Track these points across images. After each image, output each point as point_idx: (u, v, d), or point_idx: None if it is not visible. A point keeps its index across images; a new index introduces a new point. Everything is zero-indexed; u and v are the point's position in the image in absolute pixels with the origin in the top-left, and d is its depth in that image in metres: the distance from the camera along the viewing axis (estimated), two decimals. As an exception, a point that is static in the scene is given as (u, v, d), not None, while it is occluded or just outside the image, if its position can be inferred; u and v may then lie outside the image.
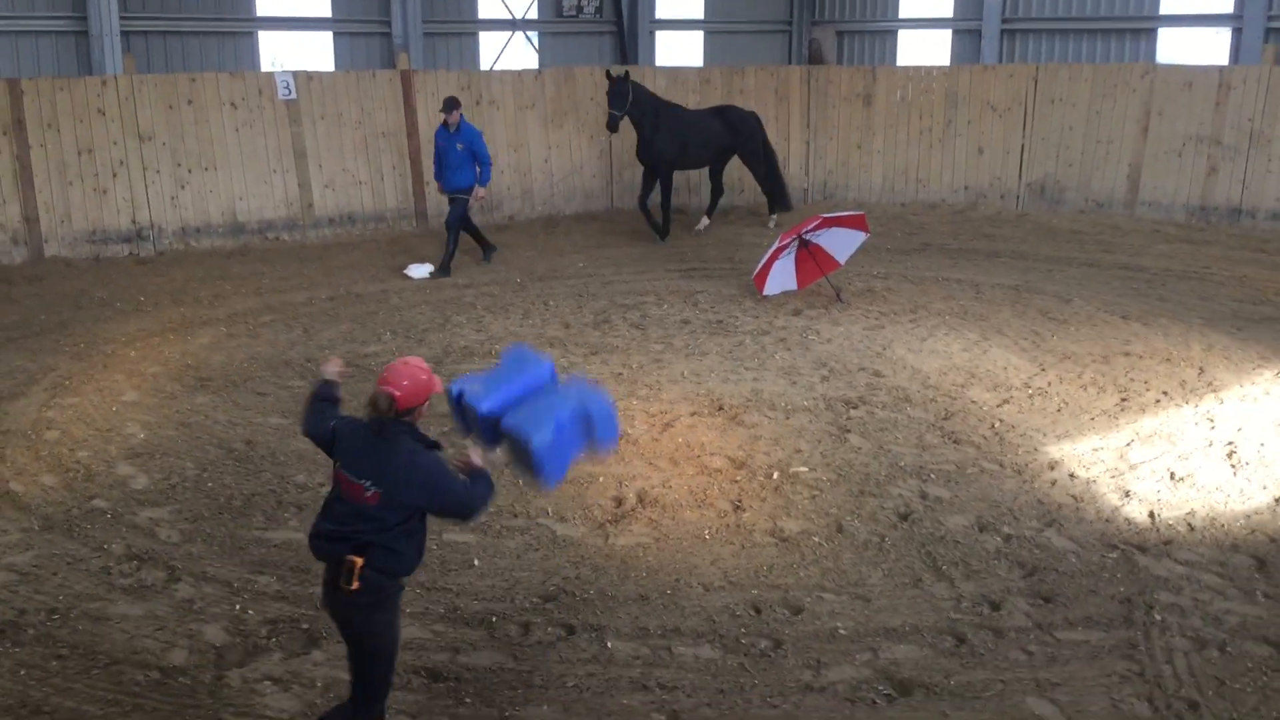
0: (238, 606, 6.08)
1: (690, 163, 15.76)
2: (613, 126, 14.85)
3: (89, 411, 8.93)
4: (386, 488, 4.42)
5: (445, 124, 13.39)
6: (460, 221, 13.66)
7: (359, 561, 4.39)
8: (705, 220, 16.31)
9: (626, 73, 15.02)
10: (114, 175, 14.27)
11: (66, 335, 10.98)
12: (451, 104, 13.32)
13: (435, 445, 4.64)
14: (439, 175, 13.69)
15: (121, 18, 17.52)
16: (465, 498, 4.55)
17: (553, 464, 5.15)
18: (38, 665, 5.52)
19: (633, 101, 14.84)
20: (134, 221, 14.39)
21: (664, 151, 15.11)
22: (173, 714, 5.18)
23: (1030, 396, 9.26)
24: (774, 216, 16.43)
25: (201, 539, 6.85)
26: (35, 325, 11.35)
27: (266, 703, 5.27)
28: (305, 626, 5.88)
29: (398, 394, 4.49)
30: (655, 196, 15.45)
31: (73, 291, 12.63)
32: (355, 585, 4.38)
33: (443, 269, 13.56)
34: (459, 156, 13.37)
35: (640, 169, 15.86)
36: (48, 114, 13.85)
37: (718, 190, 16.41)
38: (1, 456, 8.07)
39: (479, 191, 13.53)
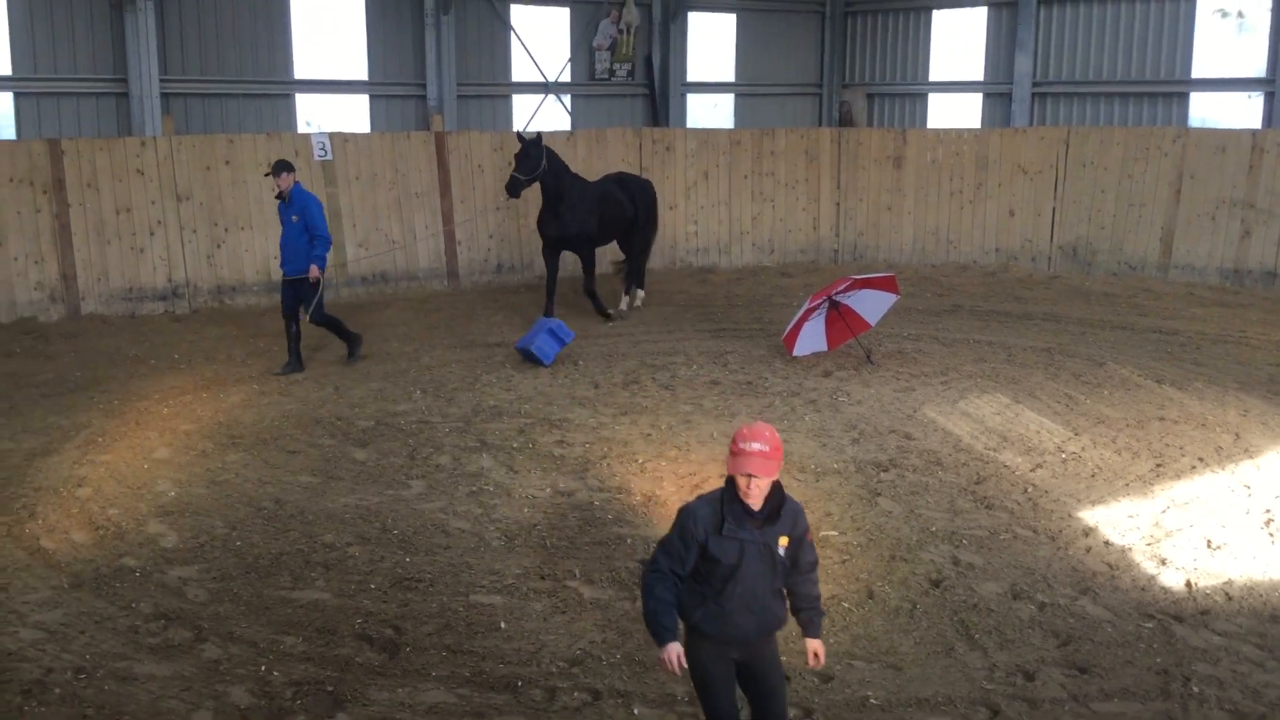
0: (263, 668, 6.05)
1: (605, 239, 14.57)
2: (514, 191, 13.47)
3: (121, 469, 8.98)
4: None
5: (278, 193, 11.49)
6: (323, 312, 11.75)
7: None
8: (640, 295, 15.03)
9: (539, 135, 13.99)
10: (151, 234, 14.48)
11: (101, 392, 11.08)
12: (280, 167, 11.34)
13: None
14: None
15: (161, 80, 17.86)
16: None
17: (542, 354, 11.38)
18: (63, 725, 5.50)
19: (547, 169, 13.58)
20: (170, 280, 14.58)
21: (585, 227, 13.88)
22: (196, 777, 5.14)
23: (1064, 461, 9.16)
24: (631, 296, 14.93)
25: (229, 598, 6.84)
26: (70, 382, 11.46)
27: (290, 766, 5.22)
28: (330, 689, 5.84)
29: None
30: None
31: (108, 348, 12.77)
32: None
33: (352, 355, 12.13)
34: (294, 231, 11.37)
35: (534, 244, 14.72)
36: (87, 174, 14.10)
37: (632, 259, 15.06)
38: (33, 513, 8.12)
39: (312, 272, 11.36)
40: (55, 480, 8.75)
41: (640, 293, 15.06)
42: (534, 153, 13.49)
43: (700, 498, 4.66)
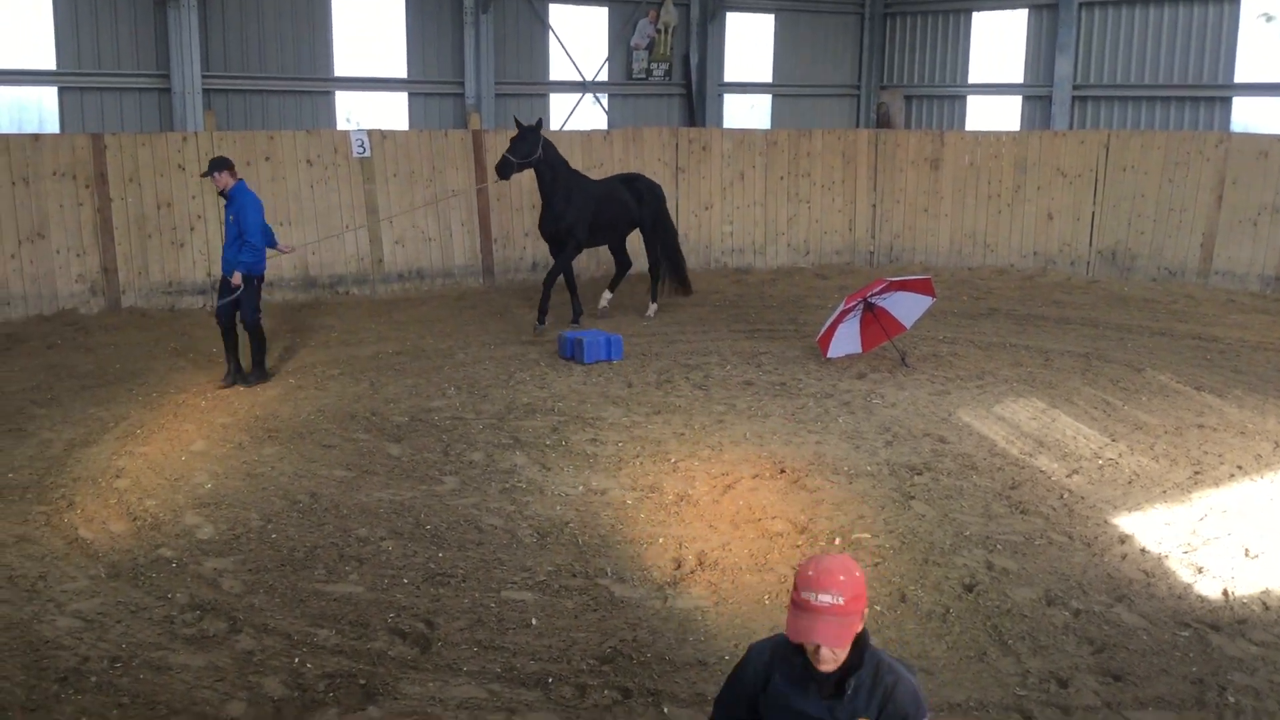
0: (296, 659, 6.10)
1: (597, 240, 14.13)
2: (503, 172, 13.07)
3: (159, 460, 9.07)
4: None
5: (219, 191, 11.06)
6: (255, 322, 11.08)
7: None
8: (608, 295, 14.57)
9: (539, 121, 13.77)
10: (191, 229, 14.61)
11: (140, 384, 11.20)
12: (216, 164, 10.89)
13: None
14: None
15: (203, 76, 18.05)
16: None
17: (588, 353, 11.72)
18: (99, 713, 5.56)
19: (542, 160, 13.19)
20: (209, 274, 14.69)
21: (575, 228, 13.43)
22: (229, 766, 5.19)
23: (1100, 467, 9.08)
24: (655, 305, 14.61)
25: (264, 590, 6.90)
26: (110, 374, 11.59)
27: (322, 758, 5.26)
28: (363, 682, 5.88)
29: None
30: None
31: (147, 341, 12.90)
32: None
33: (256, 376, 11.21)
34: (231, 233, 10.95)
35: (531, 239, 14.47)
36: (129, 168, 14.24)
37: (624, 264, 14.77)
38: (72, 503, 8.22)
39: (234, 278, 10.80)
40: (94, 471, 8.86)
41: (653, 306, 14.61)
42: (530, 137, 13.10)
43: (777, 636, 3.45)
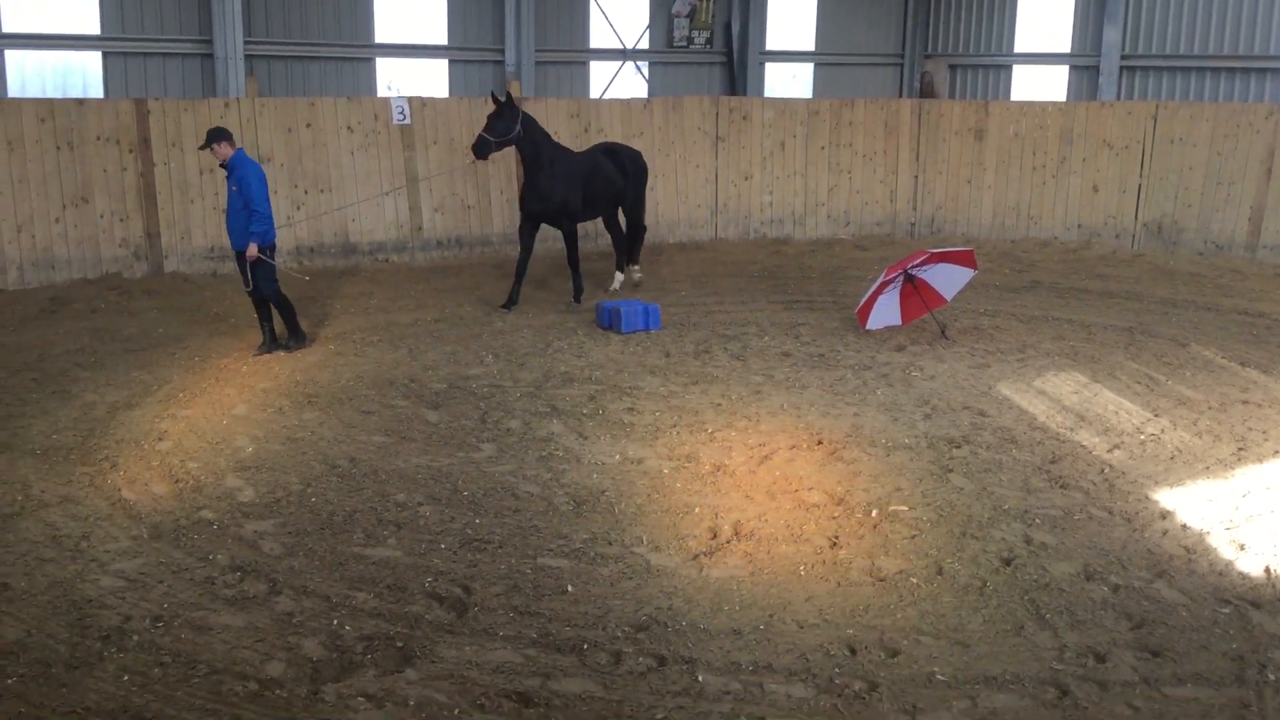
0: (335, 621, 6.16)
1: (587, 214, 13.68)
2: (480, 151, 12.58)
3: (200, 424, 9.17)
4: None
5: (220, 163, 10.83)
6: (276, 291, 11.02)
7: None
8: (636, 271, 14.38)
9: (509, 96, 13.16)
10: (233, 194, 14.68)
11: (182, 348, 11.31)
12: (213, 136, 10.65)
13: None
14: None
15: (246, 42, 18.11)
16: None
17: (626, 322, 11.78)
18: (140, 671, 5.65)
19: (523, 136, 12.71)
20: (250, 240, 14.79)
21: (568, 204, 13.04)
22: (268, 725, 5.26)
23: (1142, 442, 8.99)
24: (626, 271, 14.30)
25: (303, 553, 6.97)
26: (152, 338, 11.71)
27: (360, 719, 5.31)
28: (400, 645, 5.93)
29: None
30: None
31: (189, 306, 13.02)
32: None
33: (296, 340, 11.24)
34: (235, 203, 10.72)
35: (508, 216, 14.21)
36: (172, 133, 14.33)
37: (629, 234, 14.33)
38: (115, 464, 8.33)
39: (250, 250, 10.67)
40: (137, 433, 8.97)
41: (636, 268, 14.38)
42: (508, 113, 12.57)
43: None
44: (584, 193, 13.26)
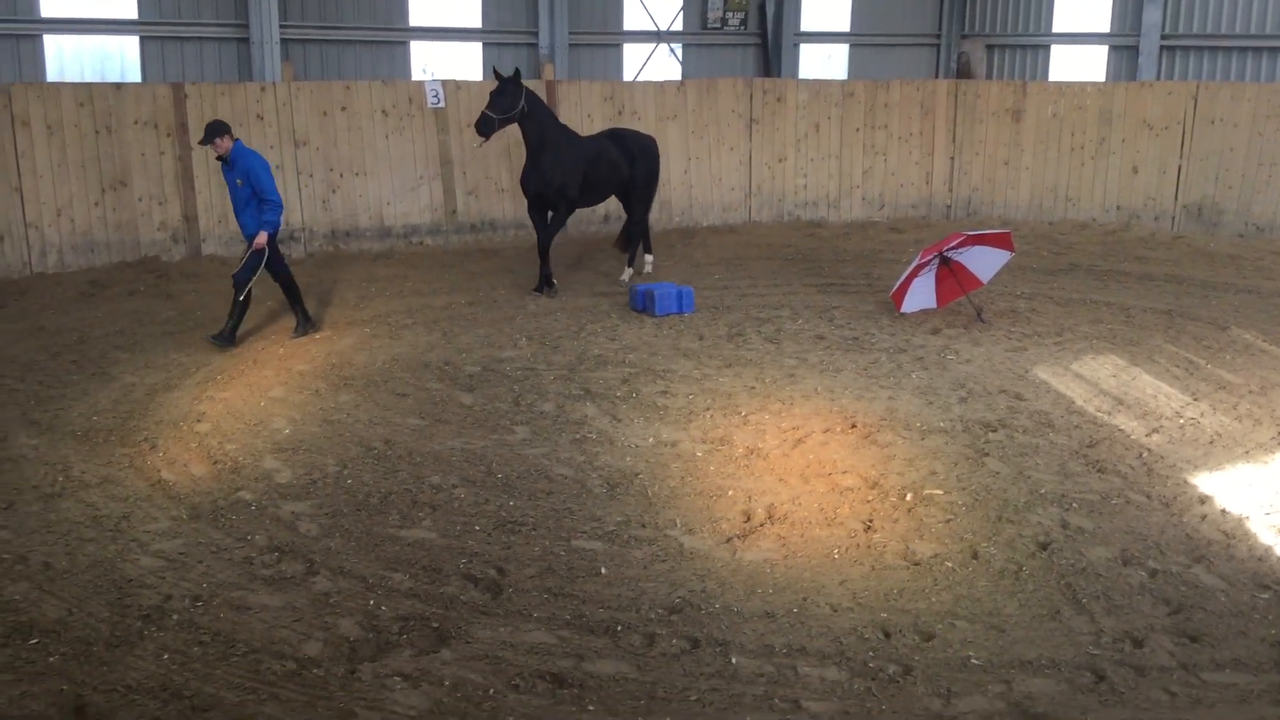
0: (371, 602, 6.21)
1: (588, 200, 13.35)
2: (484, 129, 12.13)
3: (238, 406, 9.25)
4: None
5: (217, 156, 10.69)
6: (245, 281, 10.78)
7: None
8: (648, 261, 14.07)
9: (518, 71, 12.64)
10: (269, 178, 14.77)
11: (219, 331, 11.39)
12: (213, 130, 10.49)
13: None
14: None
15: (281, 26, 18.17)
16: None
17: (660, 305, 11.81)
18: (180, 650, 5.72)
19: (526, 115, 12.35)
20: (286, 223, 14.85)
21: (566, 187, 12.64)
22: (306, 705, 5.31)
23: (1181, 426, 8.90)
24: (640, 262, 13.98)
25: (339, 534, 7.03)
26: (191, 320, 11.82)
27: (396, 698, 5.36)
28: (435, 625, 5.97)
29: None
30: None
31: (227, 289, 13.04)
32: None
33: (222, 337, 10.87)
34: (241, 195, 10.63)
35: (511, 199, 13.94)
36: (209, 117, 14.35)
37: (630, 223, 13.94)
38: (155, 446, 8.42)
39: (257, 241, 10.62)
40: (176, 415, 9.06)
41: (649, 258, 14.11)
42: (511, 89, 12.18)
43: None
44: (586, 177, 12.88)
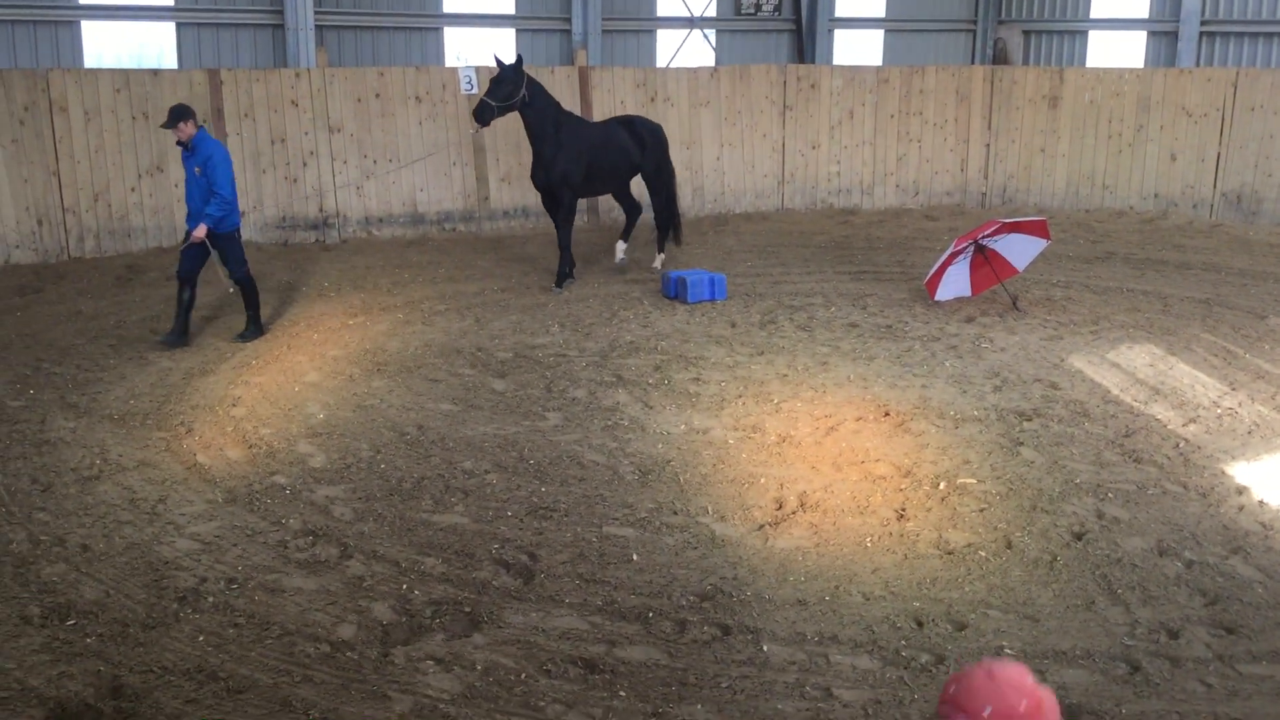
0: (405, 586, 6.25)
1: (595, 189, 13.13)
2: (482, 117, 11.89)
3: (273, 390, 9.31)
4: None
5: (178, 141, 10.25)
6: (244, 276, 10.62)
7: None
8: (622, 246, 13.58)
9: (520, 59, 12.29)
10: (304, 164, 14.86)
11: (254, 316, 11.47)
12: (177, 114, 10.02)
13: None
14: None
15: (316, 12, 18.22)
16: None
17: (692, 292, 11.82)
18: (215, 632, 5.77)
19: (528, 103, 12.04)
20: (321, 209, 14.96)
21: (568, 176, 12.29)
22: (340, 687, 5.35)
23: (1219, 416, 8.80)
24: (662, 255, 13.70)
25: (373, 518, 7.07)
26: (225, 306, 11.89)
27: (429, 682, 5.39)
28: (468, 610, 6.00)
29: None
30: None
31: (261, 275, 13.12)
32: None
33: (247, 335, 10.71)
34: (197, 184, 10.17)
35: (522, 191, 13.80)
36: (244, 104, 14.50)
37: (633, 209, 13.71)
38: (191, 429, 8.49)
39: (196, 233, 10.15)
40: (211, 399, 9.13)
41: (661, 256, 13.72)
42: (511, 77, 11.90)
43: None
44: (591, 165, 12.55)
